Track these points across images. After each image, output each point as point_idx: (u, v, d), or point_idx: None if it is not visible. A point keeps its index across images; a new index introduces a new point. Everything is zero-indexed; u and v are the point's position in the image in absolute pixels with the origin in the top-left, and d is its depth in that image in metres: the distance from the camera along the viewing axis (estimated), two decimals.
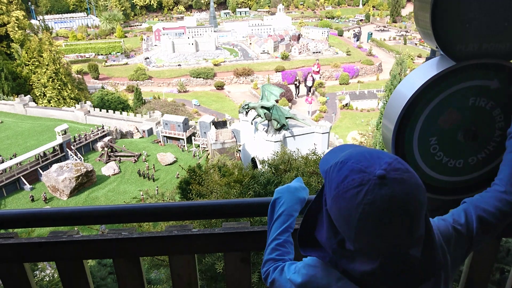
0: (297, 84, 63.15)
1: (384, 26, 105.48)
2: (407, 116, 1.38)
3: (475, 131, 1.40)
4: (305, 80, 62.85)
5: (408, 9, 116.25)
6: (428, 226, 1.07)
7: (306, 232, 1.19)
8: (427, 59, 1.49)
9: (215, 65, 74.27)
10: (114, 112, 48.54)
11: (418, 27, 1.39)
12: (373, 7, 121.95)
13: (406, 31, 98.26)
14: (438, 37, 1.29)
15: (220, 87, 68.91)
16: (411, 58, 67.89)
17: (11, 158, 36.55)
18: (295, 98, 60.68)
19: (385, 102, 32.69)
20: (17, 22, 66.04)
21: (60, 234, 1.72)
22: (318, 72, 65.16)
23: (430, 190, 1.47)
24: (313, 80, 62.96)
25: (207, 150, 39.04)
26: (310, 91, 62.72)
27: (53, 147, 38.40)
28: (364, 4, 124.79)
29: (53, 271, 6.61)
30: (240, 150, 34.44)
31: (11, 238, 1.71)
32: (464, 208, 1.25)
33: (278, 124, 28.92)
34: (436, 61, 1.40)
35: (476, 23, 1.28)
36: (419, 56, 77.52)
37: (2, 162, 35.90)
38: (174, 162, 38.04)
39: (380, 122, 32.20)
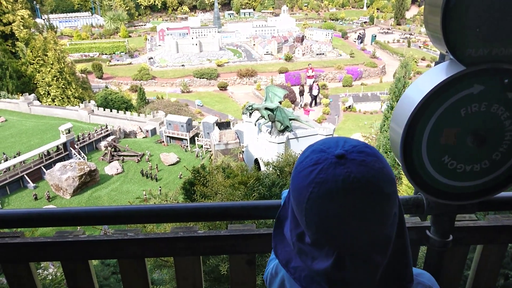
0: (302, 92, 61.52)
1: (388, 29, 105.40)
2: (416, 121, 1.38)
3: (483, 136, 1.40)
4: (311, 89, 61.15)
5: (412, 12, 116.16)
6: (402, 234, 0.94)
7: (276, 231, 1.08)
8: (436, 63, 1.49)
9: (218, 65, 74.43)
10: (117, 112, 48.68)
11: (427, 30, 1.39)
12: (378, 9, 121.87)
13: (410, 34, 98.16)
14: (448, 42, 1.28)
15: (223, 87, 69.01)
16: (415, 61, 67.74)
17: (15, 157, 36.71)
18: (299, 107, 59.18)
19: (389, 105, 32.62)
20: (22, 21, 66.40)
21: (66, 234, 1.72)
22: (312, 76, 63.15)
23: (439, 196, 1.47)
24: (319, 89, 61.39)
25: (210, 151, 39.09)
26: (315, 100, 60.89)
27: (57, 146, 38.55)
28: (369, 6, 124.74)
29: (55, 270, 6.63)
30: (243, 151, 34.47)
31: (17, 238, 1.71)
32: None
33: (282, 126, 28.95)
34: (446, 66, 1.39)
35: (487, 27, 1.27)
36: (423, 59, 77.40)
37: (6, 160, 36.05)
38: (177, 162, 38.11)
39: (384, 125, 32.14)
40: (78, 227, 1.81)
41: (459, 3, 1.23)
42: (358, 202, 0.83)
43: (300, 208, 0.88)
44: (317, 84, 61.65)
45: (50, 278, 5.42)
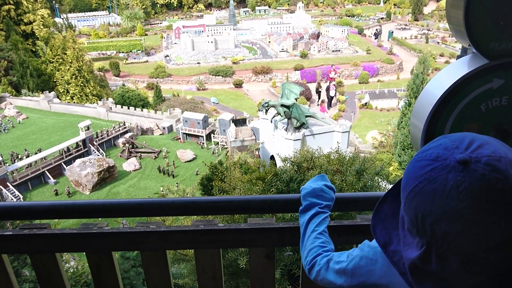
0: (319, 90, 60.94)
1: (406, 25, 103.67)
2: (437, 115, 1.37)
3: (507, 130, 1.38)
4: (328, 90, 60.40)
5: (430, 7, 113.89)
6: None
7: (379, 208, 1.07)
8: (458, 57, 1.48)
9: (234, 63, 74.51)
10: (135, 109, 49.28)
11: (449, 24, 1.38)
12: (395, 5, 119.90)
13: (428, 30, 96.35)
14: (471, 35, 1.27)
15: (238, 85, 69.10)
16: (433, 57, 66.54)
17: (36, 153, 37.56)
18: (317, 105, 58.68)
19: (406, 101, 32.16)
20: (42, 20, 67.77)
21: (90, 226, 1.77)
22: (334, 79, 62.04)
23: None
24: (336, 89, 60.89)
25: (226, 148, 39.23)
26: (331, 100, 60.18)
27: (76, 143, 39.28)
28: (385, 2, 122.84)
29: (76, 263, 6.79)
30: (259, 148, 34.49)
31: (44, 229, 1.77)
32: None
33: (298, 123, 28.83)
34: (468, 59, 1.38)
35: (511, 20, 1.25)
36: (441, 55, 75.99)
37: (28, 156, 36.93)
38: (194, 159, 38.42)
39: (401, 122, 31.71)
40: (99, 219, 1.86)
41: None
42: (461, 211, 0.77)
43: (403, 194, 0.89)
44: (334, 85, 60.82)
45: (72, 271, 5.57)
